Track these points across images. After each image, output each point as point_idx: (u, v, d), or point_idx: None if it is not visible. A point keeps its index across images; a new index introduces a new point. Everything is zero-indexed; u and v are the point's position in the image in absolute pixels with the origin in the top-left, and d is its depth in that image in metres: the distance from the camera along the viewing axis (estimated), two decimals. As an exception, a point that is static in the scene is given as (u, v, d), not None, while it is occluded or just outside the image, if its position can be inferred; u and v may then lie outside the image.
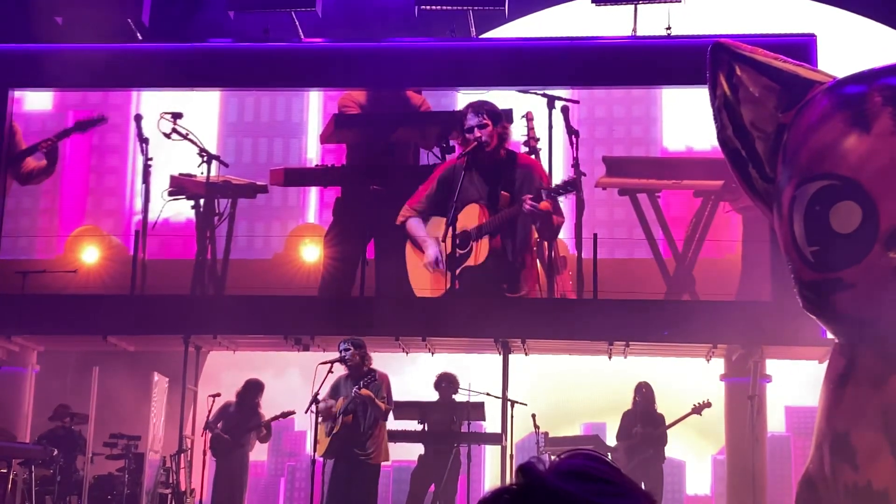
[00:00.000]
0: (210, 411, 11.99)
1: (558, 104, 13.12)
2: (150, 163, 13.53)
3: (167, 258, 13.37)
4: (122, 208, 14.00)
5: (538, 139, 13.17)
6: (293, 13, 13.57)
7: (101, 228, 13.83)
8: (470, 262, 12.70)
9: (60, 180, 14.03)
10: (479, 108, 12.87)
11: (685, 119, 12.77)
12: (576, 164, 12.85)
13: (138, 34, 13.71)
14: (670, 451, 12.02)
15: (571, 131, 13.02)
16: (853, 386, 5.40)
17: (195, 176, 13.51)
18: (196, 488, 12.13)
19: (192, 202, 13.56)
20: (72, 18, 13.55)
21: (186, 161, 13.48)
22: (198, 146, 13.40)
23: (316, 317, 12.47)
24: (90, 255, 13.56)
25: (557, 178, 12.87)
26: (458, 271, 12.61)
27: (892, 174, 5.16)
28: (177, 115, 13.54)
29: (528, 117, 13.16)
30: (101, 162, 14.17)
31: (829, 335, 6.40)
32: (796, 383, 13.25)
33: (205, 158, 13.38)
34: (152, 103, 13.81)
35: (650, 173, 13.18)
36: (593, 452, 1.55)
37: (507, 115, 13.06)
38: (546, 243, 12.80)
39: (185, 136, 13.44)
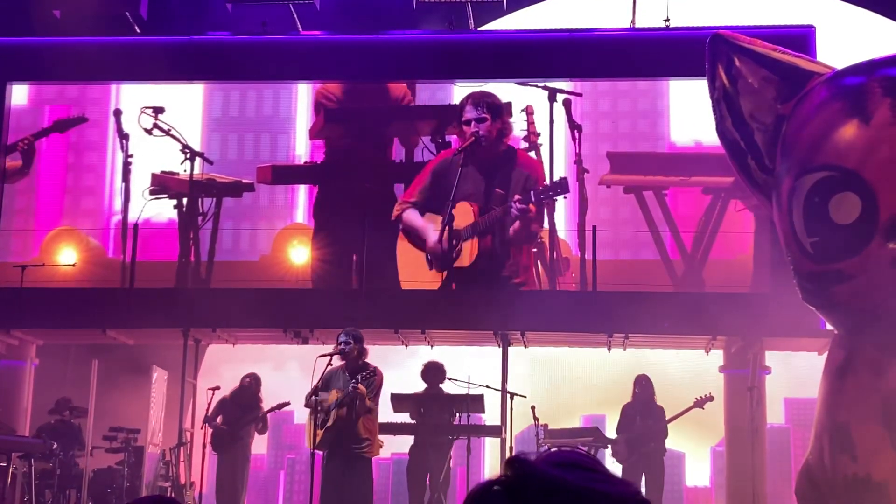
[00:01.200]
0: (209, 405, 11.98)
1: (560, 97, 12.82)
2: (130, 160, 13.09)
3: (148, 260, 12.88)
4: (101, 208, 13.50)
5: (539, 134, 12.87)
6: (291, 6, 13.54)
7: (78, 229, 13.39)
8: (460, 262, 12.46)
9: (37, 179, 13.56)
10: (479, 100, 12.63)
11: (693, 112, 12.23)
12: (578, 161, 12.58)
13: (136, 27, 13.67)
14: (670, 443, 12.01)
15: (574, 126, 12.69)
16: (853, 377, 5.40)
17: (178, 174, 13.07)
18: (196, 481, 12.13)
19: (174, 201, 13.10)
20: (70, 12, 13.50)
21: (168, 158, 13.08)
22: (180, 142, 13.00)
23: (315, 310, 12.44)
24: (67, 256, 13.14)
25: (559, 174, 12.59)
26: (447, 272, 12.37)
27: (892, 165, 5.16)
28: (158, 110, 13.15)
29: (529, 111, 12.94)
30: (78, 159, 13.68)
31: (829, 326, 6.40)
32: (796, 375, 13.24)
33: (188, 155, 12.95)
34: (132, 97, 13.42)
35: (657, 170, 12.76)
36: (572, 448, 1.58)
37: (506, 109, 12.86)
38: (547, 243, 12.57)
39: (166, 132, 13.04)
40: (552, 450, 1.56)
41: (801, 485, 5.67)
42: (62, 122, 13.44)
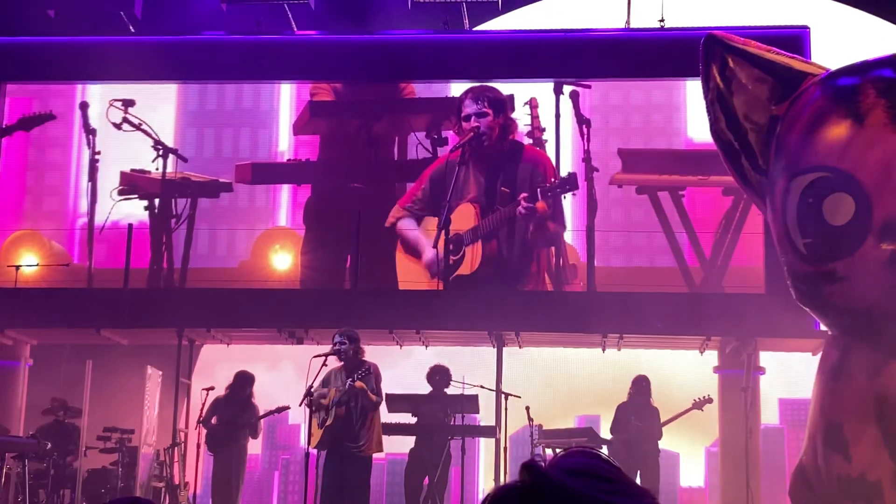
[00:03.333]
0: (203, 405, 11.96)
1: (567, 89, 12.20)
2: (97, 157, 12.47)
3: (117, 267, 12.17)
4: (65, 209, 12.79)
5: (544, 129, 12.30)
6: (286, 5, 13.53)
7: (40, 232, 12.74)
8: (463, 269, 11.95)
9: None
10: (480, 94, 12.08)
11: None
12: (587, 158, 11.96)
13: (131, 27, 13.65)
14: (664, 443, 12.02)
15: (582, 120, 12.10)
16: (846, 378, 5.40)
17: (149, 172, 12.46)
18: (190, 482, 12.11)
19: (145, 202, 12.46)
20: (64, 11, 13.45)
21: (139, 155, 12.48)
22: (152, 138, 12.44)
23: (309, 310, 12.42)
24: (29, 263, 12.55)
25: (563, 173, 12.02)
26: (450, 279, 11.91)
27: (886, 166, 5.17)
28: (128, 103, 12.52)
29: (532, 104, 12.39)
30: (40, 157, 12.94)
31: (823, 327, 6.41)
32: (790, 375, 13.25)
33: (160, 152, 12.38)
34: (100, 90, 12.74)
35: (672, 168, 12.09)
36: (591, 450, 1.60)
37: (509, 104, 12.26)
38: (553, 249, 11.98)
39: (137, 127, 12.45)
40: (563, 453, 1.59)
41: (795, 485, 5.68)
42: (28, 119, 12.78)
